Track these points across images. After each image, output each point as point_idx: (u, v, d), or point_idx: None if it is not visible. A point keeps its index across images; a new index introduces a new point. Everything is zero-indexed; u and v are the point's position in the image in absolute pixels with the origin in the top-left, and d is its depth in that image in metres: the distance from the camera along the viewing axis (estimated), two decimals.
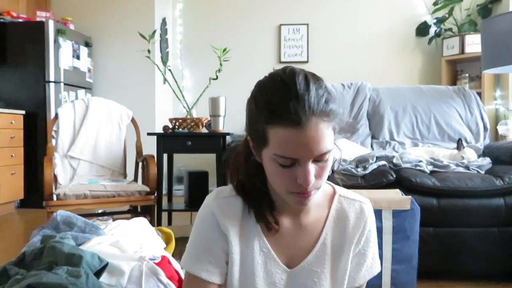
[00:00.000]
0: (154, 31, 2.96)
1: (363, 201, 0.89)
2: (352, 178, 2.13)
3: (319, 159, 0.74)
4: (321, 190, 0.84)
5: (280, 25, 4.75)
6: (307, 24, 4.72)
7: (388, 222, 1.73)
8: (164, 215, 2.90)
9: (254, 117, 0.77)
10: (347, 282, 0.87)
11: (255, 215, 0.84)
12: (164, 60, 2.99)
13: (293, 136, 0.70)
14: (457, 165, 2.28)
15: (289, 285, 0.84)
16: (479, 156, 2.52)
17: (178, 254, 2.01)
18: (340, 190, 0.91)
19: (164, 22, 3.19)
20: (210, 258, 0.83)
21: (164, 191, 3.16)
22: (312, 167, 0.73)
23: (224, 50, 2.84)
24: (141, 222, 1.82)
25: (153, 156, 2.71)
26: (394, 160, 2.27)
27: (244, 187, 0.85)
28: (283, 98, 0.72)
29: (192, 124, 2.81)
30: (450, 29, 4.39)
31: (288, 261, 0.85)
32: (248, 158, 0.85)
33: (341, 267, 0.86)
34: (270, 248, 0.84)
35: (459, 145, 2.49)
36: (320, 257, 0.85)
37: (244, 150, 0.87)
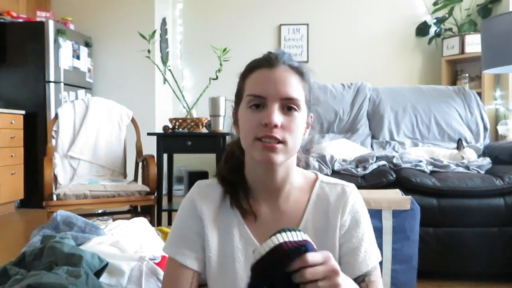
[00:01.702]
0: (154, 31, 2.96)
1: (346, 184, 0.89)
2: (352, 178, 2.13)
3: (286, 105, 0.79)
4: (302, 176, 0.89)
5: (280, 25, 4.75)
6: (307, 24, 4.72)
7: (388, 222, 1.73)
8: (164, 215, 2.90)
9: (238, 85, 0.88)
10: (346, 270, 0.83)
11: (230, 201, 0.87)
12: (164, 60, 2.99)
13: (263, 74, 0.81)
14: (457, 165, 2.28)
15: None
16: (479, 156, 2.52)
17: None
18: (323, 177, 0.91)
19: (164, 22, 3.19)
20: (185, 242, 0.86)
21: (164, 191, 3.15)
22: (278, 113, 0.78)
23: (224, 50, 2.84)
24: (141, 222, 1.82)
25: (153, 156, 2.71)
26: (394, 160, 2.27)
27: (224, 177, 0.90)
28: (261, 57, 0.85)
29: (192, 124, 2.81)
30: (450, 29, 4.38)
31: None
32: (233, 155, 0.91)
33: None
34: (250, 234, 0.85)
35: (459, 145, 2.49)
36: None
37: (232, 148, 0.92)
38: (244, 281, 0.82)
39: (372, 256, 0.85)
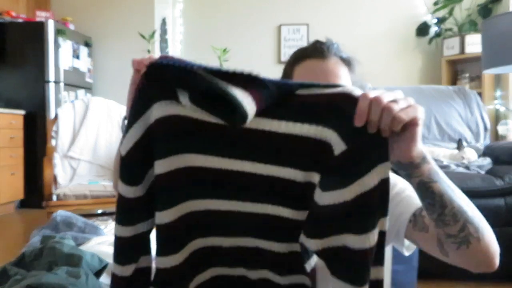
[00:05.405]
0: (154, 31, 2.97)
1: None
2: None
3: None
4: None
5: (280, 25, 4.74)
6: (307, 24, 4.72)
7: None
8: None
9: (285, 71, 0.90)
10: None
11: None
12: None
13: (316, 64, 0.84)
14: (457, 165, 2.28)
15: None
16: (479, 156, 2.51)
17: None
18: None
19: (164, 22, 3.19)
20: None
21: None
22: None
23: (224, 50, 2.85)
24: None
25: None
26: None
27: None
28: (310, 44, 0.89)
29: None
30: (450, 29, 4.38)
31: None
32: None
33: None
34: None
35: (459, 145, 2.49)
36: None
37: None
38: None
39: None
